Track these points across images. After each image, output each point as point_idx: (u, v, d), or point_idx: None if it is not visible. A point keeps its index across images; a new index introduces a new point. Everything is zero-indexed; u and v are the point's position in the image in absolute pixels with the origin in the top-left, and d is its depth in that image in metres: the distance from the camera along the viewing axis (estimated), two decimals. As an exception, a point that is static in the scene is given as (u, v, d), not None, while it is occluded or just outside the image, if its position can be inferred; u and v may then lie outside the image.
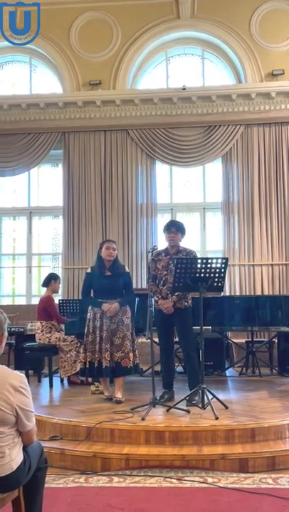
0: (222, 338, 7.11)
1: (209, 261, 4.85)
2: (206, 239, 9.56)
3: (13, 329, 7.50)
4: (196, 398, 4.84)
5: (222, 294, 6.87)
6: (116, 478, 3.72)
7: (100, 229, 9.20)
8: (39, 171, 9.94)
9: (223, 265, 4.81)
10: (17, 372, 2.49)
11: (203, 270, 4.77)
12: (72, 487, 3.61)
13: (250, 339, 7.43)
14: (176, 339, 5.55)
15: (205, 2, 9.34)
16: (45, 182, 9.98)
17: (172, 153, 9.23)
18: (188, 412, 4.61)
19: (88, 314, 5.32)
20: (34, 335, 6.79)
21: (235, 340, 7.92)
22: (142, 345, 6.21)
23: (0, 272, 9.93)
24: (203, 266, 4.79)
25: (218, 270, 4.79)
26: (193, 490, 3.50)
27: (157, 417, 4.51)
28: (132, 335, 5.26)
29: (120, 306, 5.20)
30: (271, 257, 8.98)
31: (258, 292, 8.82)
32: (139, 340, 5.87)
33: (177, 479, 3.66)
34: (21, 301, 9.78)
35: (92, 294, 5.37)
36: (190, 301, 5.19)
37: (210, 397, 4.67)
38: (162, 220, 9.24)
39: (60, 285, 7.45)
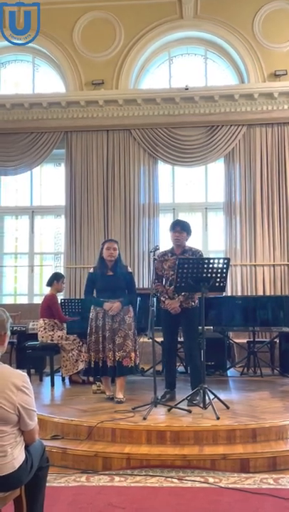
0: (223, 338, 7.11)
1: (211, 261, 4.85)
2: (208, 239, 9.56)
3: (15, 328, 7.53)
4: (198, 398, 4.83)
5: (224, 294, 6.87)
6: (117, 478, 3.72)
7: (102, 228, 9.20)
8: (41, 171, 9.96)
9: (225, 265, 4.81)
10: (19, 371, 2.50)
11: (205, 270, 4.77)
12: (73, 486, 3.61)
13: (251, 339, 7.43)
14: (180, 339, 5.56)
15: (208, 2, 9.35)
16: (48, 181, 9.99)
17: (174, 153, 9.23)
18: (189, 411, 4.61)
19: (91, 314, 5.32)
20: (36, 334, 6.81)
21: (237, 341, 7.92)
22: (143, 345, 6.21)
23: (2, 270, 9.94)
24: (206, 266, 4.79)
25: (220, 270, 4.79)
26: (194, 490, 3.51)
27: (159, 417, 4.51)
28: (133, 334, 5.26)
29: (122, 305, 5.20)
30: (273, 258, 8.97)
31: (260, 292, 8.82)
32: (141, 339, 5.87)
33: (178, 479, 3.66)
34: (23, 300, 9.80)
35: (94, 294, 5.37)
36: (197, 301, 5.17)
37: (211, 397, 4.66)
38: (164, 219, 9.26)
39: (64, 284, 7.46)
